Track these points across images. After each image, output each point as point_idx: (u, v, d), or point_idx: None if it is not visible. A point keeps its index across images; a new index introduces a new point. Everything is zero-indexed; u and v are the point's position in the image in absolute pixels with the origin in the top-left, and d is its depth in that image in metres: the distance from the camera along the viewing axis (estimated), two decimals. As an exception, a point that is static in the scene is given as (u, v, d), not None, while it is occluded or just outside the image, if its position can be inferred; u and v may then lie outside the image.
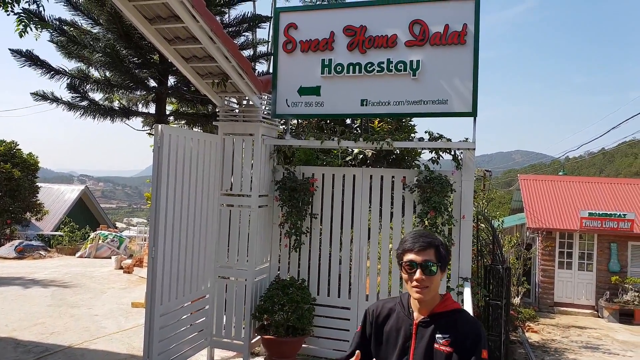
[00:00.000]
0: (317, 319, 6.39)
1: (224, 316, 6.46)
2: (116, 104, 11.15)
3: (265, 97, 6.61)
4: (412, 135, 8.59)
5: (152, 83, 10.30)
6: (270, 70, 6.66)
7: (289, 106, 6.44)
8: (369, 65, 6.08)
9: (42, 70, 9.40)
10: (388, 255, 6.33)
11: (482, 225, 8.53)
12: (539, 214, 17.09)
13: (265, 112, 6.56)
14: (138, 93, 10.76)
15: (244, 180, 6.46)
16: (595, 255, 16.55)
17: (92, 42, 9.19)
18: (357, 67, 6.13)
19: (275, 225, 6.78)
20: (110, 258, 17.71)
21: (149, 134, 11.30)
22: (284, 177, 6.59)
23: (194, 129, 11.31)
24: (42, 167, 24.77)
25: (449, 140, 6.07)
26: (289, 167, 6.67)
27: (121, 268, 15.43)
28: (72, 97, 9.91)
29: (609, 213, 16.09)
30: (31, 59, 9.17)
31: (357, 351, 2.31)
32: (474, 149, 5.89)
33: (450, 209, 5.91)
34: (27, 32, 5.27)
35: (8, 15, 5.02)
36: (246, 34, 11.28)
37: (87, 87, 9.90)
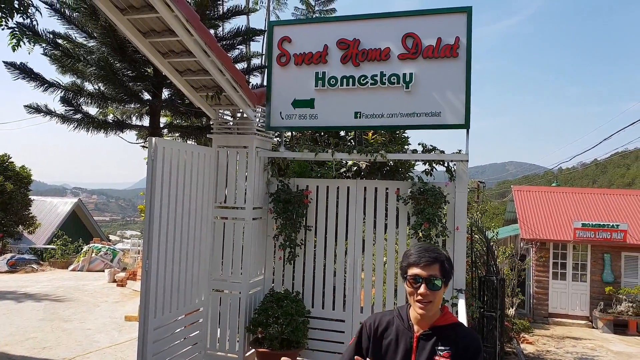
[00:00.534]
0: (311, 332, 6.37)
1: (218, 329, 6.43)
2: (110, 117, 11.14)
3: (260, 110, 6.63)
4: (406, 147, 8.63)
5: (146, 96, 10.30)
6: (265, 83, 6.69)
7: (283, 119, 6.46)
8: (363, 78, 6.12)
9: (35, 83, 9.40)
10: (382, 267, 6.33)
11: (476, 236, 8.56)
12: (533, 225, 17.14)
13: (259, 125, 6.58)
14: (132, 106, 10.75)
15: (238, 192, 6.46)
16: (589, 266, 16.59)
17: (86, 56, 9.20)
18: (350, 80, 6.17)
19: (269, 237, 6.77)
20: (103, 271, 17.61)
21: (143, 146, 11.29)
22: (278, 189, 6.60)
23: (188, 142, 11.31)
24: (35, 180, 24.65)
25: (442, 152, 6.11)
26: (283, 180, 6.68)
27: (114, 281, 15.33)
28: (66, 110, 9.90)
29: (602, 224, 16.16)
30: (25, 71, 9.16)
31: None
32: (467, 161, 5.93)
33: (444, 221, 5.93)
34: (20, 46, 5.28)
35: (2, 29, 5.02)
36: (240, 47, 11.33)
37: (81, 100, 9.88)
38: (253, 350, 6.34)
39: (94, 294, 13.34)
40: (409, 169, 8.55)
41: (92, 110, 10.63)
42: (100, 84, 9.79)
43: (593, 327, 15.71)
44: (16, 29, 5.23)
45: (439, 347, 2.26)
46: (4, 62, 9.08)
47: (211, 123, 6.74)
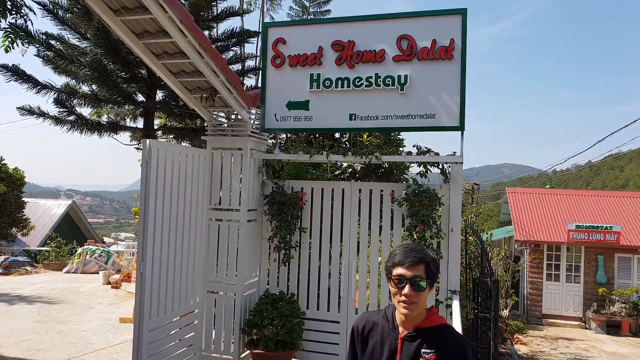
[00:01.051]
0: (306, 333, 6.36)
1: (213, 331, 6.42)
2: (104, 118, 11.12)
3: (254, 112, 6.63)
4: (401, 149, 8.64)
5: (140, 97, 10.29)
6: (259, 85, 6.68)
7: (277, 120, 6.46)
8: (358, 80, 6.12)
9: (28, 85, 9.37)
10: (377, 268, 6.33)
11: (471, 238, 8.58)
12: (527, 227, 17.20)
13: (254, 127, 6.57)
14: (126, 107, 10.74)
15: (233, 194, 6.45)
16: (582, 267, 16.66)
17: (79, 57, 9.18)
18: (345, 81, 6.17)
19: (264, 239, 6.76)
20: (97, 273, 17.55)
21: (137, 148, 11.28)
22: (272, 191, 6.59)
23: (182, 144, 11.29)
24: (28, 182, 24.54)
25: (437, 154, 6.11)
26: (278, 182, 6.67)
27: (109, 283, 15.29)
28: (59, 111, 9.88)
29: (595, 225, 16.23)
30: (17, 73, 9.14)
31: None
32: (462, 163, 5.94)
33: (438, 222, 5.94)
34: (14, 48, 5.25)
35: (-6, 30, 5.00)
36: (235, 48, 11.34)
37: (75, 101, 9.86)
38: (248, 351, 6.32)
39: (88, 296, 13.29)
40: (404, 171, 8.55)
41: (86, 111, 10.62)
42: (94, 86, 9.77)
43: (586, 328, 15.78)
44: (9, 30, 5.21)
45: (424, 350, 2.23)
46: (-4, 64, 9.05)
47: (205, 125, 6.73)
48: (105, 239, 39.01)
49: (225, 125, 6.65)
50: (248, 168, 6.40)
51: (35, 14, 5.41)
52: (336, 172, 8.27)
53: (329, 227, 6.54)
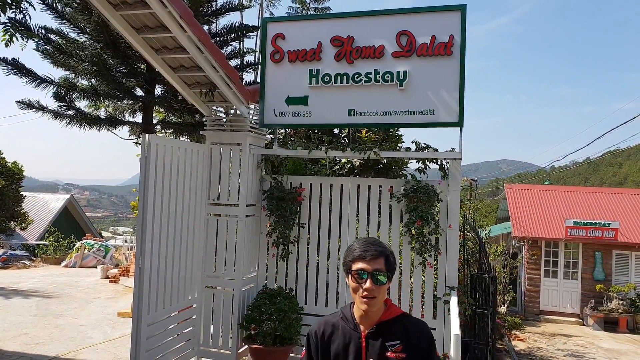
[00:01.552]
0: (304, 328, 6.38)
1: (212, 326, 6.43)
2: (102, 112, 11.11)
3: (253, 107, 6.63)
4: (399, 145, 8.65)
5: (139, 92, 10.28)
6: (258, 80, 6.68)
7: (276, 116, 6.45)
8: (357, 75, 6.12)
9: (27, 79, 9.36)
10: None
11: (469, 234, 8.60)
12: (525, 223, 17.23)
13: (252, 122, 6.57)
14: (125, 102, 10.72)
15: (232, 189, 6.46)
16: (580, 264, 16.71)
17: (78, 51, 9.16)
18: (344, 77, 6.17)
19: (262, 234, 6.77)
20: (96, 267, 17.58)
21: (136, 143, 11.27)
22: (271, 186, 6.60)
23: (181, 138, 11.29)
24: (26, 176, 24.54)
25: (436, 150, 6.11)
26: (277, 177, 6.67)
27: (107, 277, 15.31)
28: (58, 106, 9.87)
29: (593, 222, 16.27)
30: (17, 67, 9.12)
31: None
32: (461, 159, 5.94)
33: (437, 218, 5.95)
34: (13, 42, 5.25)
35: (-5, 24, 4.99)
36: (234, 43, 11.32)
37: (74, 95, 9.85)
38: (246, 346, 6.34)
39: (86, 290, 13.31)
40: (403, 167, 8.57)
41: (83, 104, 10.60)
42: (93, 80, 9.76)
43: (584, 325, 15.83)
44: (9, 24, 5.21)
45: (389, 343, 2.20)
46: (-5, 57, 9.03)
47: (204, 120, 6.73)
48: (104, 234, 39.05)
49: (224, 120, 6.65)
50: (247, 163, 6.40)
51: (34, 8, 5.41)
52: (335, 168, 8.29)
53: (327, 222, 6.55)
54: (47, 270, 18.07)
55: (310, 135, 9.30)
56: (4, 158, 22.51)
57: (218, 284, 6.45)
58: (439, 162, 6.27)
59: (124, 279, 14.75)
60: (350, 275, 2.24)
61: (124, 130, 11.32)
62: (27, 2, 5.22)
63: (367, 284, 2.17)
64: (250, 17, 15.62)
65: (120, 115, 11.16)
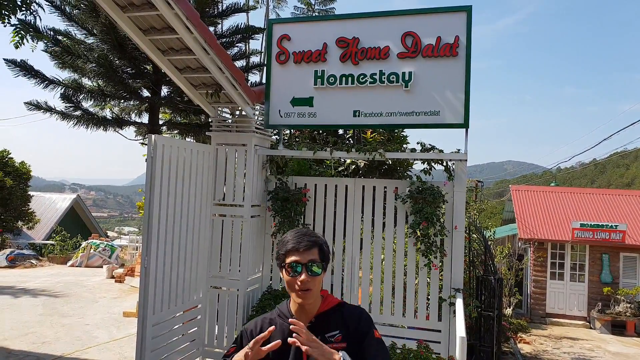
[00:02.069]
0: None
1: (216, 326, 6.45)
2: (108, 112, 11.17)
3: (258, 108, 6.64)
4: (404, 146, 8.65)
5: (146, 93, 10.33)
6: (264, 81, 6.68)
7: (281, 117, 6.47)
8: (362, 76, 6.12)
9: (36, 80, 9.43)
10: (380, 265, 6.35)
11: (474, 235, 8.58)
12: (531, 225, 17.16)
13: (258, 123, 6.59)
14: (131, 103, 10.78)
15: (237, 190, 6.47)
16: (587, 266, 16.61)
17: (86, 53, 9.22)
18: (349, 78, 6.17)
19: (267, 235, 6.78)
20: (101, 267, 17.65)
21: (142, 143, 11.32)
22: (276, 187, 6.61)
23: (187, 139, 11.33)
24: (34, 176, 24.67)
25: (441, 151, 6.11)
26: (282, 178, 6.68)
27: (113, 277, 15.37)
28: (66, 106, 9.93)
29: (600, 224, 16.17)
30: (25, 69, 9.19)
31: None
32: (466, 160, 5.93)
33: (442, 220, 5.93)
34: (24, 43, 5.28)
35: (5, 26, 5.03)
36: (239, 44, 11.36)
37: (81, 96, 9.91)
38: (251, 347, 6.34)
39: (92, 289, 13.36)
40: (408, 168, 8.56)
41: (91, 106, 10.66)
42: (100, 81, 9.82)
43: (591, 328, 15.74)
44: (19, 26, 5.24)
45: (329, 334, 2.18)
46: (4, 59, 9.09)
47: (210, 121, 6.75)
48: (109, 233, 39.18)
49: (230, 121, 6.67)
50: (252, 164, 6.42)
51: (44, 10, 5.44)
52: (340, 169, 8.29)
53: (332, 223, 6.55)
54: (53, 269, 18.16)
55: (315, 136, 9.31)
56: (12, 158, 22.65)
57: (223, 284, 6.46)
58: (444, 163, 6.26)
59: (129, 278, 14.80)
60: (283, 269, 2.21)
61: (130, 131, 11.38)
62: (37, 4, 5.25)
63: (303, 276, 2.14)
64: (256, 18, 15.68)
65: (126, 116, 11.22)
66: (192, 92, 6.36)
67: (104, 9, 4.96)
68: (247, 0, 18.00)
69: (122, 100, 10.38)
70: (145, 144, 5.62)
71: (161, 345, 5.51)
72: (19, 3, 5.08)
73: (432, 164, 6.37)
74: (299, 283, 2.15)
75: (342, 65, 6.22)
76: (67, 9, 9.07)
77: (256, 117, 6.57)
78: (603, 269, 16.43)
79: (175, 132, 11.72)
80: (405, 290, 6.17)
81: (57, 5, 8.94)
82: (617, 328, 15.16)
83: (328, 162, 8.40)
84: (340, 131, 9.83)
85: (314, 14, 17.93)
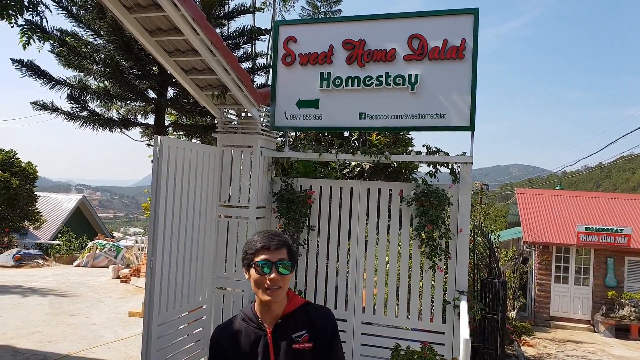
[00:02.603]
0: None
1: (221, 327, 6.45)
2: (114, 113, 11.21)
3: (264, 110, 6.66)
4: (410, 148, 8.65)
5: (152, 94, 10.37)
6: (269, 83, 6.70)
7: (287, 119, 6.47)
8: (368, 79, 6.12)
9: (42, 81, 9.47)
10: (385, 267, 6.35)
11: (479, 238, 8.58)
12: (536, 228, 17.13)
13: (263, 124, 6.60)
14: (137, 104, 10.82)
15: (242, 191, 6.49)
16: (591, 270, 16.57)
17: (92, 53, 9.26)
18: (355, 80, 6.18)
19: (272, 236, 6.77)
20: (107, 267, 17.72)
21: (148, 144, 11.37)
22: (281, 189, 6.62)
23: (193, 140, 11.36)
24: (40, 176, 24.79)
25: (447, 154, 6.10)
26: (287, 179, 6.70)
27: (118, 277, 15.43)
28: (72, 107, 9.98)
29: (605, 228, 16.13)
30: (32, 69, 9.23)
31: None
32: (472, 163, 5.92)
33: (447, 223, 5.93)
34: (31, 44, 5.32)
35: (12, 27, 5.06)
36: (245, 46, 11.38)
37: (87, 97, 9.96)
38: (255, 348, 6.35)
39: (98, 289, 13.42)
40: (413, 170, 8.57)
41: (98, 107, 10.70)
42: (106, 82, 9.86)
43: (595, 331, 15.70)
44: (26, 27, 5.28)
45: (296, 334, 2.19)
46: (11, 59, 9.14)
47: (216, 122, 6.77)
48: (115, 234, 39.34)
49: (236, 122, 6.69)
50: (257, 165, 6.43)
51: (50, 11, 5.48)
52: (345, 171, 8.30)
53: (337, 225, 6.56)
54: (59, 269, 18.24)
55: (320, 138, 9.32)
56: (19, 158, 22.77)
57: (228, 285, 6.48)
58: (449, 166, 6.25)
59: (134, 279, 14.85)
60: (252, 269, 2.25)
61: (136, 132, 11.42)
62: (44, 4, 5.29)
63: (273, 275, 2.17)
64: (262, 20, 15.70)
65: (132, 117, 11.26)
66: (198, 94, 6.39)
67: (111, 9, 4.99)
68: (254, 2, 18.05)
69: (129, 101, 10.42)
70: (151, 145, 5.65)
71: (166, 345, 5.53)
72: (26, 3, 5.12)
73: (438, 167, 6.36)
74: (268, 282, 2.18)
75: (348, 67, 6.22)
76: (73, 9, 9.12)
77: (262, 119, 6.59)
78: (607, 272, 16.39)
79: (181, 133, 11.76)
80: (409, 292, 6.17)
81: (64, 5, 8.98)
82: (621, 332, 15.12)
83: (333, 164, 8.41)
84: (346, 133, 9.84)
85: (319, 16, 17.96)
